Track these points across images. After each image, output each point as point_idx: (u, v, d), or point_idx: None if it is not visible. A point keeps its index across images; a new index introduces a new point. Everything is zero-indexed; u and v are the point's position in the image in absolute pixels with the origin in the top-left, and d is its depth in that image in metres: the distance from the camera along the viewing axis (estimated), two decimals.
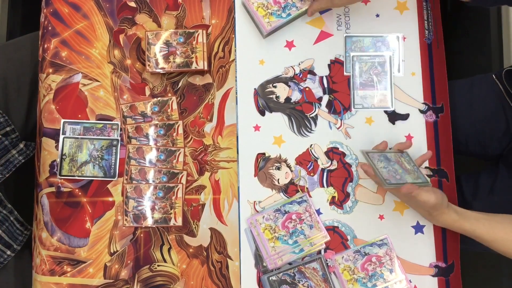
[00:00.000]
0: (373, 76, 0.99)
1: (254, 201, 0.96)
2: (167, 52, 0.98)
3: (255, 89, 1.00)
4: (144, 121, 0.98)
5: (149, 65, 0.97)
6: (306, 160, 0.98)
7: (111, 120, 0.98)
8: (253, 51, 1.00)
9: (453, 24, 1.56)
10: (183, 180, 0.96)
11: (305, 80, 1.00)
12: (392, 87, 0.99)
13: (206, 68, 0.98)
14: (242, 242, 0.95)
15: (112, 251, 0.94)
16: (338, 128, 0.98)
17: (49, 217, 0.95)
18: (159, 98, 0.99)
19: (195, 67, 0.97)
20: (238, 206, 0.96)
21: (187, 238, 0.95)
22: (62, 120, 0.97)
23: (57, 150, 0.96)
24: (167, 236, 0.95)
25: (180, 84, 0.99)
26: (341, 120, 0.99)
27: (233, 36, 1.01)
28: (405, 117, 0.99)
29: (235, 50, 1.00)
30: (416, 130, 0.98)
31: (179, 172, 0.96)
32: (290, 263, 0.93)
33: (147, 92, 0.99)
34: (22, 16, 1.44)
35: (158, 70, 0.97)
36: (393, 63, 0.99)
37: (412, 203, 0.93)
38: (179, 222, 0.95)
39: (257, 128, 0.98)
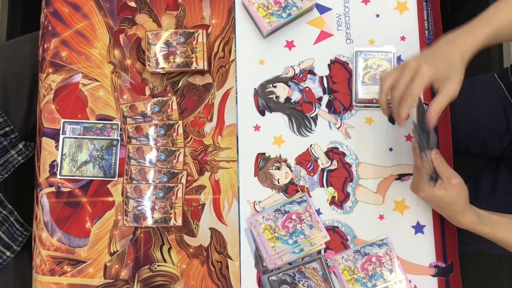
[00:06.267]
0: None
1: (254, 201, 0.96)
2: (167, 52, 0.98)
3: (255, 89, 0.99)
4: (144, 121, 0.98)
5: (149, 65, 0.97)
6: (306, 160, 0.98)
7: (111, 120, 0.98)
8: (253, 51, 1.00)
9: (453, 24, 1.56)
10: (183, 180, 0.96)
11: (305, 80, 1.00)
12: None
13: (206, 68, 0.97)
14: (242, 242, 0.95)
15: (112, 251, 0.94)
16: (338, 128, 0.98)
17: (49, 217, 0.94)
18: (159, 98, 0.99)
19: (195, 67, 0.97)
20: (238, 206, 0.96)
21: (187, 238, 0.95)
22: (62, 120, 0.97)
23: (57, 150, 0.96)
24: (167, 236, 0.95)
25: (180, 84, 0.99)
26: (341, 120, 0.99)
27: (233, 36, 1.01)
28: None
29: (235, 50, 1.00)
30: None
31: (179, 172, 0.96)
32: (290, 263, 0.93)
33: (147, 92, 0.99)
34: (22, 16, 1.44)
35: (158, 70, 0.97)
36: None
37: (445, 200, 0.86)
38: (179, 222, 0.95)
39: (257, 128, 0.98)
